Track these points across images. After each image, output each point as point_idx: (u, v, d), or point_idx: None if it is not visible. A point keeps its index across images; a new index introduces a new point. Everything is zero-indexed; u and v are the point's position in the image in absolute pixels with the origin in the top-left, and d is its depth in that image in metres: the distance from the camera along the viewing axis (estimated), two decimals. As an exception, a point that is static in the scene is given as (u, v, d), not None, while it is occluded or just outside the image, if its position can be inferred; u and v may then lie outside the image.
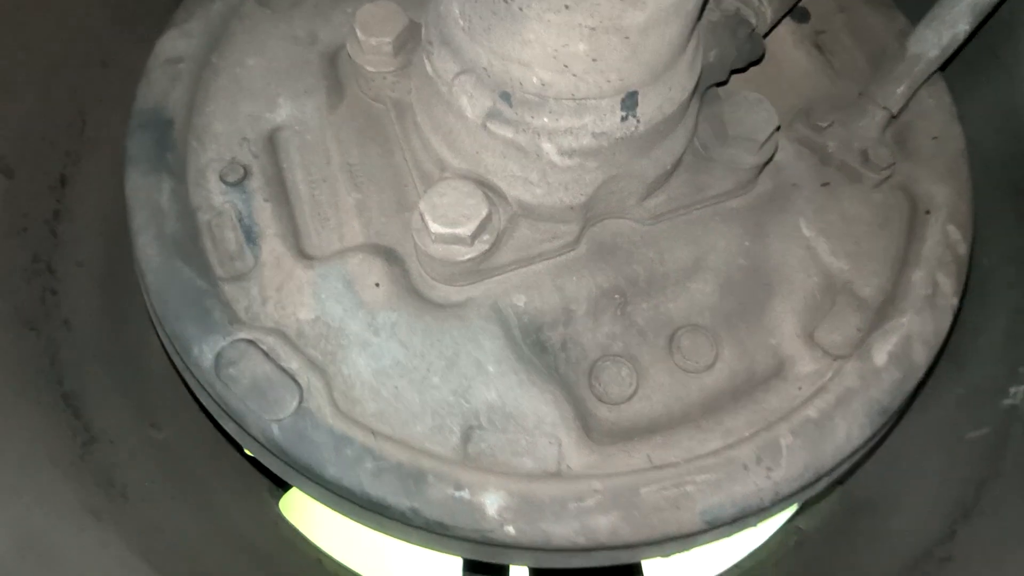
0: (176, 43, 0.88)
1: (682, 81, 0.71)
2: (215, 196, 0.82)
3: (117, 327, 0.93)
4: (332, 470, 0.65)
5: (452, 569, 1.10)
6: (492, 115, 0.69)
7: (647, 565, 1.08)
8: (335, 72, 0.91)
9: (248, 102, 0.88)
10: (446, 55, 0.70)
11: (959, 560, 0.71)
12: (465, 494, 0.65)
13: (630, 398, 0.79)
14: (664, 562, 1.10)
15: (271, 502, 1.07)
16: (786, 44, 0.98)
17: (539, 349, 0.79)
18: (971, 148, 1.04)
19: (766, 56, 0.96)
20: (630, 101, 0.67)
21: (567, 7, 0.54)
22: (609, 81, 0.64)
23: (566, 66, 0.61)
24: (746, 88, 0.92)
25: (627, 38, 0.59)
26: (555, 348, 0.80)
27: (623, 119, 0.68)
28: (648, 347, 0.81)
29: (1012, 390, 0.84)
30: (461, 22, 0.64)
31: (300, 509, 1.10)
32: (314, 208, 0.83)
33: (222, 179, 0.83)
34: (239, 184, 0.83)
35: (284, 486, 1.14)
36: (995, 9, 0.81)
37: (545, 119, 0.67)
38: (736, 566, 1.03)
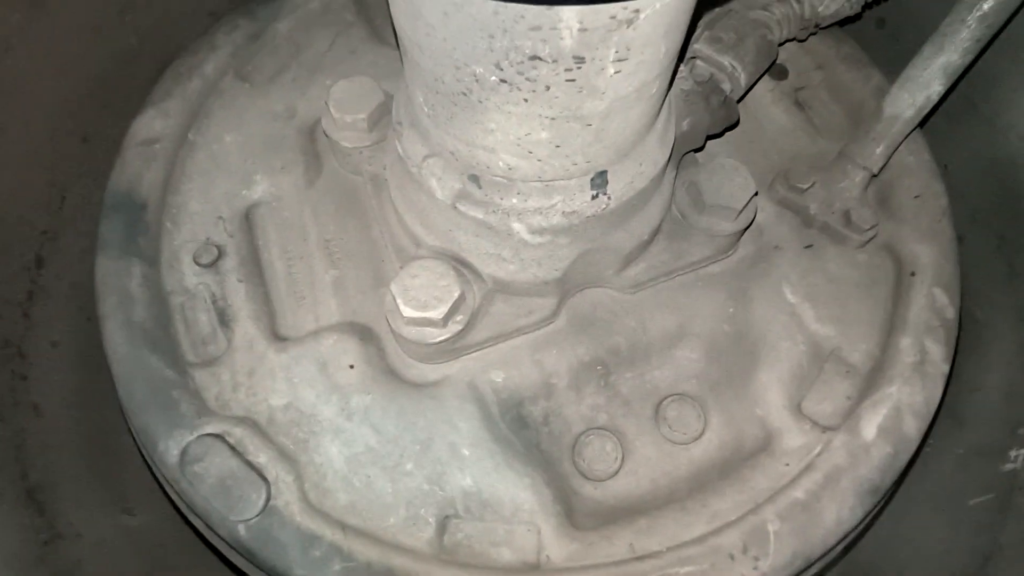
0: (153, 123, 0.89)
1: (653, 156, 0.70)
2: (188, 278, 0.81)
3: (90, 409, 0.92)
4: (299, 572, 0.63)
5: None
6: (461, 196, 0.68)
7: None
8: (313, 146, 0.91)
9: (224, 179, 0.87)
10: (414, 137, 0.69)
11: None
12: (439, 597, 0.62)
13: (615, 474, 0.77)
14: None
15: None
16: (765, 102, 0.98)
17: (520, 425, 0.76)
18: (958, 199, 1.03)
19: (746, 113, 0.96)
20: (599, 180, 0.66)
21: (526, 100, 0.54)
22: (576, 164, 0.63)
23: (530, 152, 0.61)
24: (727, 148, 0.92)
25: (589, 125, 0.58)
26: (537, 423, 0.78)
27: (593, 197, 0.67)
28: (634, 418, 0.79)
29: (1012, 453, 0.81)
30: (426, 109, 0.63)
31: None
32: (290, 286, 0.82)
33: (196, 261, 0.82)
34: (213, 265, 0.82)
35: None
36: (967, 69, 0.81)
37: (514, 200, 0.66)
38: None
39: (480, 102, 0.56)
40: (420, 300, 0.69)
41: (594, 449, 0.77)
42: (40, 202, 0.91)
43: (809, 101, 0.98)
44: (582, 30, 0.47)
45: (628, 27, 0.48)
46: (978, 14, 0.76)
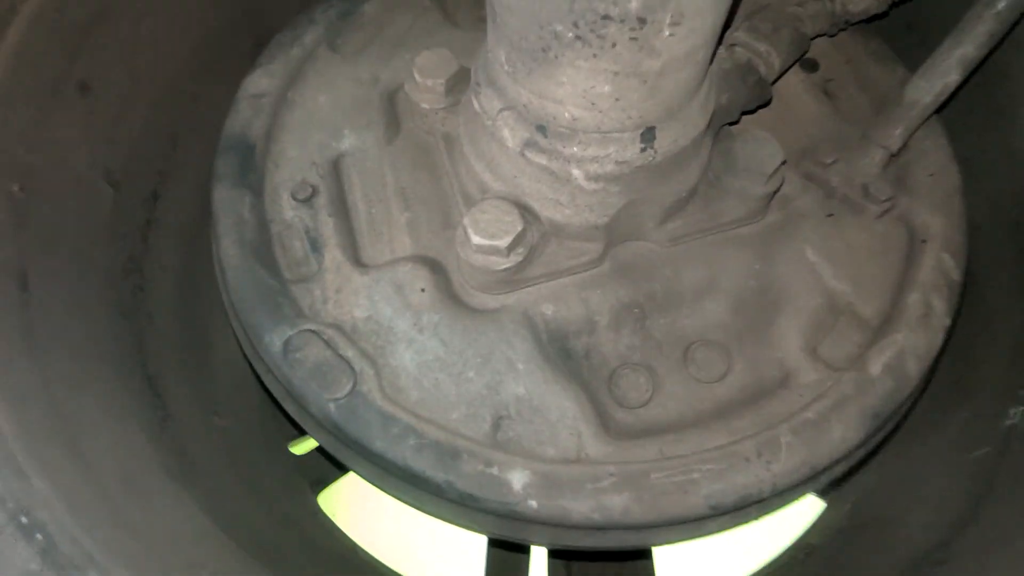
0: (260, 81, 1.03)
1: (695, 119, 0.81)
2: (286, 211, 0.94)
3: (189, 326, 1.06)
4: (379, 444, 0.75)
5: (475, 556, 1.16)
6: (529, 145, 0.80)
7: (662, 569, 1.13)
8: (393, 109, 1.04)
9: (318, 132, 1.01)
10: (492, 94, 0.82)
11: (952, 563, 0.76)
12: (494, 471, 0.73)
13: (646, 403, 0.87)
14: (678, 567, 1.15)
15: (311, 496, 1.17)
16: (798, 90, 1.08)
17: (564, 355, 0.87)
18: (977, 190, 1.12)
19: (779, 100, 1.07)
20: (648, 135, 0.78)
21: (595, 56, 0.66)
22: (630, 118, 0.75)
23: (593, 104, 0.72)
24: (762, 127, 1.03)
25: (645, 81, 0.69)
26: (579, 355, 0.89)
27: (642, 150, 0.79)
28: (664, 358, 0.89)
29: (1012, 411, 0.89)
30: (506, 67, 0.76)
31: (335, 506, 1.19)
32: (370, 224, 0.95)
33: (293, 196, 0.96)
34: (307, 201, 0.95)
35: (323, 483, 1.23)
36: (983, 61, 0.90)
37: (575, 149, 0.78)
38: (748, 578, 1.08)
39: (556, 57, 0.68)
40: (489, 231, 0.81)
41: (628, 380, 0.88)
42: (158, 146, 1.06)
43: (837, 92, 1.08)
44: (648, -7, 0.59)
45: (684, -7, 0.60)
46: (993, 11, 0.86)
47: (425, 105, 0.98)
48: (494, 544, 1.17)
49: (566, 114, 0.75)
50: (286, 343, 0.79)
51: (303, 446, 1.26)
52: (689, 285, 0.91)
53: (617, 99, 0.71)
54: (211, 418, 0.98)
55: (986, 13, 0.86)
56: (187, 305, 1.06)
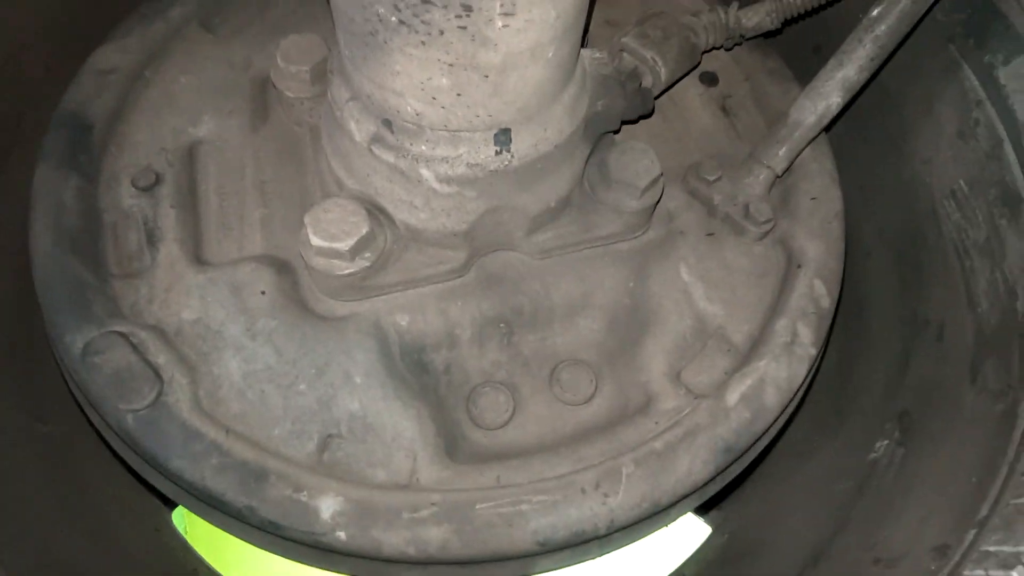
0: (110, 55, 0.94)
1: (559, 124, 0.76)
2: (124, 199, 0.86)
3: (23, 321, 0.95)
4: (177, 463, 0.67)
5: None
6: (376, 140, 0.74)
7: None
8: (262, 97, 0.96)
9: (173, 116, 0.93)
10: (340, 83, 0.75)
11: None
12: (303, 496, 0.66)
13: (504, 425, 0.81)
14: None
15: (162, 509, 1.07)
16: (695, 104, 1.05)
17: (420, 369, 0.81)
18: (869, 218, 1.10)
19: (676, 112, 1.03)
20: (503, 137, 0.72)
21: (423, 43, 0.60)
22: (478, 116, 0.69)
23: (434, 98, 0.66)
24: (653, 141, 0.99)
25: (486, 76, 0.64)
26: (437, 370, 0.82)
27: (497, 153, 0.73)
28: (530, 377, 0.83)
29: (878, 443, 0.86)
30: (346, 52, 0.69)
31: (191, 520, 1.10)
32: (220, 218, 0.87)
33: (133, 184, 0.87)
34: (149, 189, 0.87)
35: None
36: (866, 85, 0.88)
37: (423, 147, 0.72)
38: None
39: (385, 43, 0.61)
40: (329, 232, 0.74)
41: (488, 399, 0.82)
42: (-2, 118, 0.96)
43: (734, 108, 1.05)
44: (466, -22, 0.53)
45: (510, -18, 0.54)
46: (872, 35, 0.84)
47: (290, 94, 0.91)
48: None
49: (408, 108, 0.69)
50: (87, 345, 0.70)
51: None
52: (561, 300, 0.86)
53: (459, 94, 0.66)
54: (34, 424, 0.88)
55: (866, 37, 0.84)
56: (24, 300, 0.96)
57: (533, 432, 0.81)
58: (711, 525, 1.17)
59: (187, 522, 1.09)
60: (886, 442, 0.85)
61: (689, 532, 1.17)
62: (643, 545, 1.18)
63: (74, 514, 0.85)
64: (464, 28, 0.58)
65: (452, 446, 0.76)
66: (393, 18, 0.58)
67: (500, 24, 0.58)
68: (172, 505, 1.11)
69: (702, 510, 1.20)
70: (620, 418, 0.80)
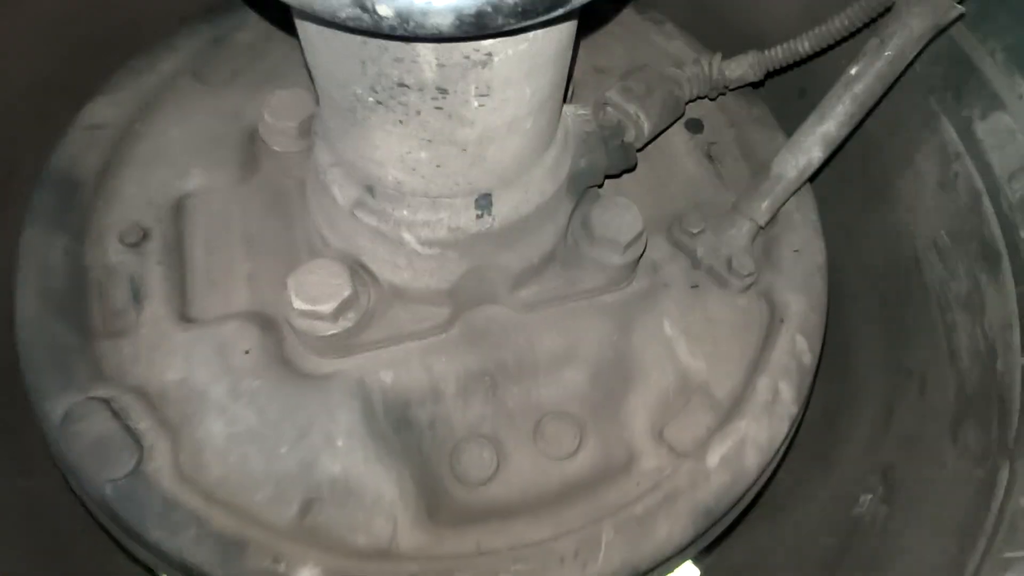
0: (101, 110, 0.95)
1: (540, 185, 0.77)
2: (111, 255, 0.86)
3: (7, 375, 0.95)
4: (155, 534, 0.67)
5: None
6: (359, 204, 0.74)
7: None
8: (252, 148, 0.97)
9: (163, 169, 0.93)
10: (323, 147, 0.76)
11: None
12: (281, 567, 0.66)
13: (488, 481, 0.81)
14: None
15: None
16: (679, 152, 1.05)
17: (404, 425, 0.81)
18: (855, 264, 1.11)
19: (661, 160, 1.04)
20: (484, 201, 0.73)
21: (401, 122, 0.60)
22: (458, 184, 0.70)
23: (414, 169, 0.67)
24: (638, 189, 0.99)
25: (464, 150, 0.65)
26: (422, 425, 0.82)
27: (478, 216, 0.74)
28: (514, 431, 0.83)
29: (862, 497, 0.86)
30: (329, 123, 0.70)
31: None
32: (206, 273, 0.88)
33: (121, 240, 0.88)
34: (136, 245, 0.87)
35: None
36: (846, 139, 0.89)
37: (404, 212, 0.73)
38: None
39: (364, 120, 0.62)
40: (311, 295, 0.75)
41: (471, 456, 0.82)
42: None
43: (719, 155, 1.06)
44: (440, 65, 0.54)
45: (484, 68, 0.55)
46: (850, 93, 0.85)
47: (277, 148, 0.92)
48: None
49: (389, 177, 0.70)
50: (68, 412, 0.71)
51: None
52: (545, 353, 0.87)
53: (438, 165, 0.67)
54: (16, 479, 0.88)
55: (844, 94, 0.85)
56: (6, 352, 0.96)
57: (517, 488, 0.81)
58: (700, 568, 1.17)
59: None
60: (870, 496, 0.85)
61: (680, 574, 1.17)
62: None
63: (54, 573, 0.85)
64: (440, 108, 0.59)
65: (434, 506, 0.76)
66: (370, 99, 0.59)
67: (476, 104, 0.59)
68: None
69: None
70: (603, 476, 0.80)
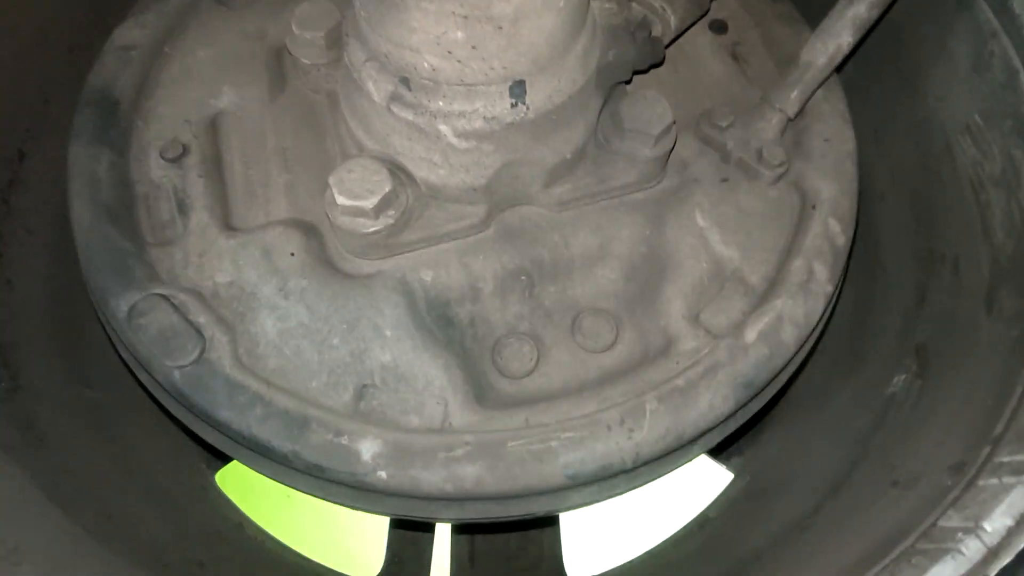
0: (131, 32, 0.96)
1: (572, 74, 0.77)
2: (154, 171, 0.89)
3: (61, 294, 1.00)
4: (224, 413, 0.71)
5: (378, 539, 1.14)
6: (394, 98, 0.75)
7: (568, 550, 1.12)
8: (279, 65, 0.98)
9: (194, 88, 0.95)
10: (356, 44, 0.77)
11: (814, 528, 0.75)
12: (344, 440, 0.70)
13: (530, 373, 0.84)
14: (582, 551, 1.14)
15: (207, 472, 1.12)
16: (705, 52, 1.05)
17: (446, 323, 0.84)
18: (883, 160, 1.10)
19: (686, 61, 1.03)
20: (518, 89, 0.74)
21: (438, -4, 0.61)
22: (493, 68, 0.70)
23: (450, 52, 0.68)
24: (664, 91, 0.99)
25: (500, 28, 0.65)
26: (462, 324, 0.85)
27: (512, 105, 0.75)
28: (552, 328, 0.86)
29: (895, 379, 0.88)
30: (362, 12, 0.71)
31: (234, 483, 1.15)
32: (245, 186, 0.90)
33: (162, 155, 0.90)
34: (177, 161, 0.90)
35: (220, 457, 1.19)
36: (876, 23, 0.88)
37: (440, 103, 0.74)
38: (647, 552, 1.07)
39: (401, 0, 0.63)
40: (354, 191, 0.77)
41: (512, 350, 0.85)
42: (24, 102, 0.99)
43: (745, 55, 1.05)
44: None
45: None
46: (883, -31, 0.84)
47: (306, 60, 0.93)
48: (396, 524, 1.15)
49: (425, 64, 0.70)
50: (132, 308, 0.74)
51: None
52: (579, 252, 0.88)
53: (474, 47, 0.67)
54: (80, 390, 0.93)
55: (877, -29, 0.84)
56: (60, 274, 1.00)
57: (558, 379, 0.83)
58: (733, 471, 1.20)
59: (229, 482, 1.14)
60: (904, 376, 0.87)
61: (712, 479, 1.21)
62: (668, 491, 1.23)
63: (126, 472, 0.90)
64: (477, -22, 0.59)
65: (480, 394, 0.79)
66: (407, -28, 0.59)
67: (512, -28, 0.59)
68: (215, 467, 1.17)
69: (724, 457, 1.24)
70: (642, 361, 0.83)
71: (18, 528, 0.60)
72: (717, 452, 1.23)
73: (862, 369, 0.99)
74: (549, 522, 1.14)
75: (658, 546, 1.06)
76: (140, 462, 0.94)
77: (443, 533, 1.16)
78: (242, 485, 1.15)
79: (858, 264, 1.05)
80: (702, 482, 1.21)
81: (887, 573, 0.49)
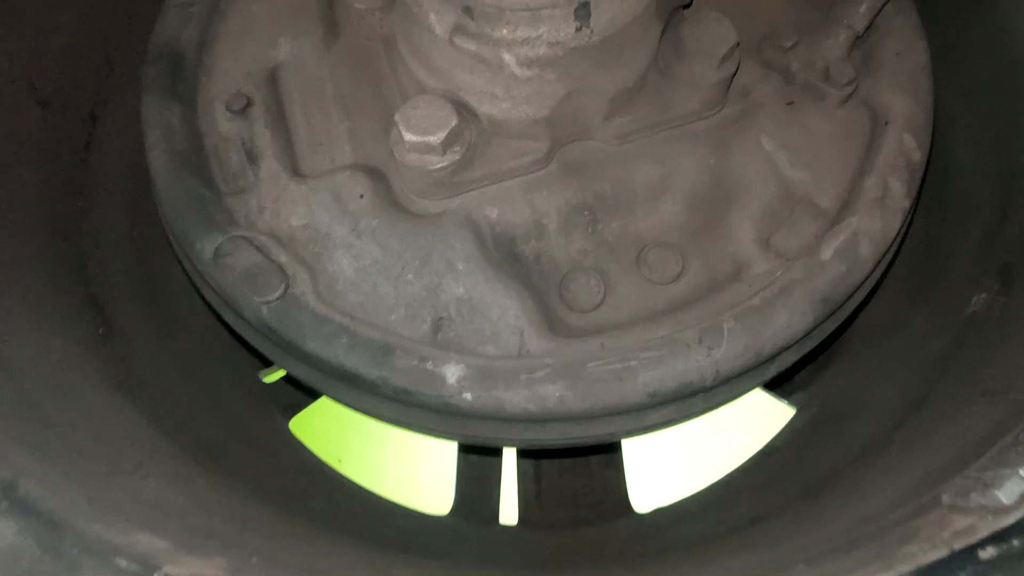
0: (188, -10, 0.98)
1: (635, -5, 0.76)
2: (221, 123, 0.91)
3: (142, 252, 1.04)
4: (312, 345, 0.74)
5: (447, 482, 1.17)
6: (457, 29, 0.75)
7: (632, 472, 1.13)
8: (332, 14, 0.99)
9: (252, 42, 0.97)
10: (415, -23, 0.77)
11: (896, 444, 0.74)
12: (428, 365, 0.72)
13: (598, 306, 0.85)
14: (648, 484, 1.16)
15: (281, 420, 1.17)
16: (762, -24, 1.01)
17: (512, 259, 0.85)
18: (953, 77, 1.05)
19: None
20: (583, 12, 0.73)
21: (505, -88, 0.60)
22: (558, -12, 0.70)
23: (515, -26, 0.67)
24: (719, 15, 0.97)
25: (566, -56, 0.64)
26: (528, 261, 0.86)
27: (577, 29, 0.74)
28: (617, 262, 0.86)
29: (974, 298, 0.86)
30: (423, -58, 0.71)
31: (307, 431, 1.20)
32: (309, 134, 0.92)
33: (228, 108, 0.92)
34: (242, 112, 0.92)
35: (295, 409, 1.24)
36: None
37: (504, 31, 0.74)
38: (712, 485, 1.08)
39: (467, -82, 0.62)
40: (421, 127, 0.78)
41: (579, 284, 0.85)
42: (90, 65, 1.03)
43: (804, -25, 1.01)
44: None
45: None
46: None
47: (359, 6, 0.93)
48: (464, 450, 1.18)
49: (489, -11, 0.70)
50: (217, 249, 0.77)
51: (274, 375, 1.26)
52: (642, 185, 0.88)
53: (540, -32, 0.66)
54: (166, 341, 0.97)
55: None
56: (140, 232, 1.04)
57: (626, 311, 0.84)
58: (795, 406, 1.19)
59: (303, 429, 1.19)
60: (984, 295, 0.85)
61: (774, 414, 1.20)
62: (729, 427, 1.23)
63: (215, 415, 0.95)
64: None
65: (552, 326, 0.81)
66: None
67: None
68: (288, 416, 1.21)
69: (786, 392, 1.23)
70: (711, 289, 0.82)
71: (138, 449, 0.64)
72: (777, 386, 1.22)
73: (936, 295, 0.97)
74: (613, 457, 1.16)
75: (723, 478, 1.07)
76: (226, 405, 0.99)
77: (510, 472, 1.19)
78: (313, 434, 1.20)
79: (929, 193, 1.02)
80: (764, 417, 1.21)
81: (992, 462, 0.49)
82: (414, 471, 1.20)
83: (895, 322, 1.01)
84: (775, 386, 1.21)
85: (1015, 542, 0.43)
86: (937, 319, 0.91)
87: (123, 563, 0.40)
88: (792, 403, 1.21)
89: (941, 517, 0.47)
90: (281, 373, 1.27)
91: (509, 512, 1.18)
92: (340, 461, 1.15)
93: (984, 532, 0.44)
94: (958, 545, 0.44)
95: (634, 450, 1.18)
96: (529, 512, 1.16)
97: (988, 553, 0.43)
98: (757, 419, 1.21)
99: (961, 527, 0.45)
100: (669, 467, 1.19)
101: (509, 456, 1.19)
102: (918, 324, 0.95)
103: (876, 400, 0.89)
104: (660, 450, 1.20)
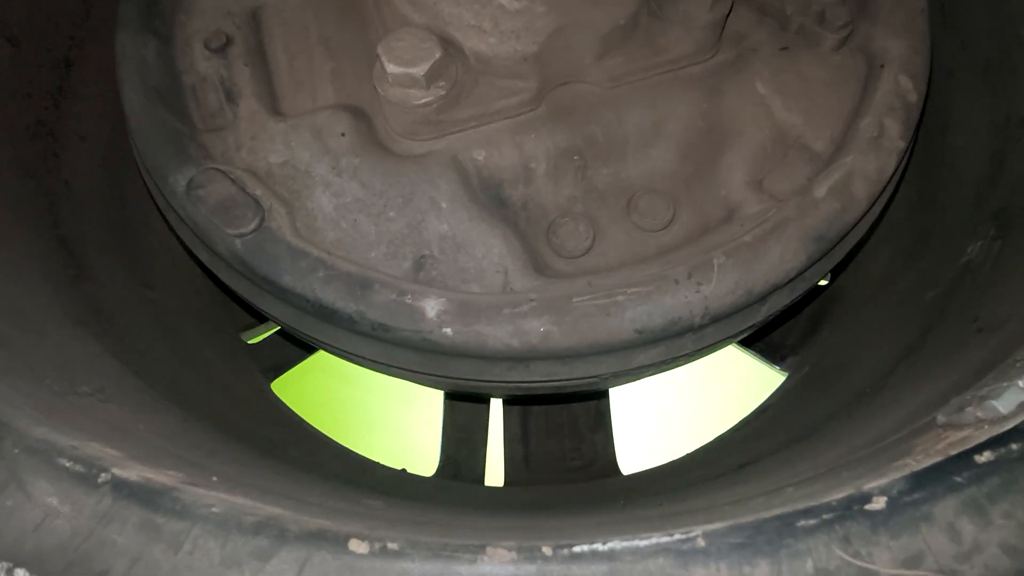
0: (166, -74, 0.95)
1: (626, -77, 0.73)
2: (199, 61, 0.88)
3: (116, 200, 1.01)
4: (287, 279, 0.71)
5: (432, 443, 1.15)
6: (443, -43, 0.73)
7: (621, 446, 1.11)
8: (317, -45, 0.96)
9: (234, -19, 0.94)
10: (401, -97, 0.74)
11: (889, 388, 0.73)
12: (408, 299, 0.70)
13: (586, 252, 0.82)
14: (636, 447, 1.14)
15: (262, 380, 1.14)
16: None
17: (499, 203, 0.82)
18: (950, 31, 1.04)
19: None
20: (572, -62, 0.70)
21: None
22: (547, -91, 0.67)
23: None
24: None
25: None
26: (515, 206, 0.84)
27: (567, -43, 0.71)
28: (607, 209, 0.84)
29: (969, 247, 0.84)
30: None
31: (291, 394, 1.17)
32: (291, 75, 0.89)
33: (206, 46, 0.89)
34: (222, 51, 0.89)
35: (277, 371, 1.21)
36: None
37: (491, -44, 0.71)
38: (702, 447, 1.06)
39: None
40: (404, 58, 0.75)
41: (567, 229, 0.83)
42: (67, 11, 0.99)
43: (801, -76, 0.99)
44: None
45: None
46: None
47: (344, -57, 0.91)
48: (451, 409, 1.16)
49: (475, -90, 0.68)
50: (190, 181, 0.74)
51: (257, 337, 1.23)
52: (633, 130, 0.85)
53: None
54: (141, 289, 0.94)
55: None
56: (114, 180, 1.01)
57: (615, 257, 0.81)
58: (788, 371, 1.18)
59: (286, 392, 1.16)
60: (980, 242, 0.83)
61: (765, 379, 1.19)
62: (719, 392, 1.21)
63: (189, 365, 0.92)
64: None
65: (539, 268, 0.78)
66: None
67: None
68: (270, 378, 1.19)
69: (777, 359, 1.21)
70: (703, 233, 0.80)
71: (99, 377, 0.61)
72: (770, 354, 1.21)
73: (930, 249, 0.95)
74: (602, 419, 1.14)
75: (713, 439, 1.05)
76: (200, 359, 0.96)
77: (496, 434, 1.17)
78: (295, 397, 1.17)
79: (921, 150, 1.00)
80: (755, 383, 1.19)
81: (989, 381, 0.47)
82: (399, 434, 1.17)
83: (887, 280, 0.99)
84: (767, 349, 1.20)
85: (1013, 446, 0.41)
86: (931, 271, 0.89)
87: (66, 463, 0.38)
88: (784, 369, 1.19)
89: (936, 434, 0.45)
90: (265, 335, 1.24)
91: (496, 475, 1.16)
92: (323, 424, 1.13)
93: (982, 439, 0.42)
94: (954, 451, 0.41)
95: (623, 412, 1.16)
96: (516, 475, 1.13)
97: (985, 457, 0.41)
98: (748, 385, 1.19)
99: (957, 439, 0.43)
100: (658, 430, 1.17)
101: (496, 418, 1.17)
102: (911, 279, 0.93)
103: (870, 352, 0.87)
104: (649, 413, 1.19)
